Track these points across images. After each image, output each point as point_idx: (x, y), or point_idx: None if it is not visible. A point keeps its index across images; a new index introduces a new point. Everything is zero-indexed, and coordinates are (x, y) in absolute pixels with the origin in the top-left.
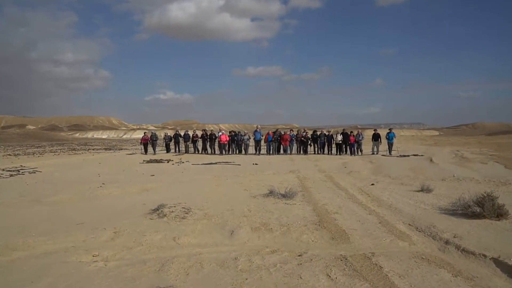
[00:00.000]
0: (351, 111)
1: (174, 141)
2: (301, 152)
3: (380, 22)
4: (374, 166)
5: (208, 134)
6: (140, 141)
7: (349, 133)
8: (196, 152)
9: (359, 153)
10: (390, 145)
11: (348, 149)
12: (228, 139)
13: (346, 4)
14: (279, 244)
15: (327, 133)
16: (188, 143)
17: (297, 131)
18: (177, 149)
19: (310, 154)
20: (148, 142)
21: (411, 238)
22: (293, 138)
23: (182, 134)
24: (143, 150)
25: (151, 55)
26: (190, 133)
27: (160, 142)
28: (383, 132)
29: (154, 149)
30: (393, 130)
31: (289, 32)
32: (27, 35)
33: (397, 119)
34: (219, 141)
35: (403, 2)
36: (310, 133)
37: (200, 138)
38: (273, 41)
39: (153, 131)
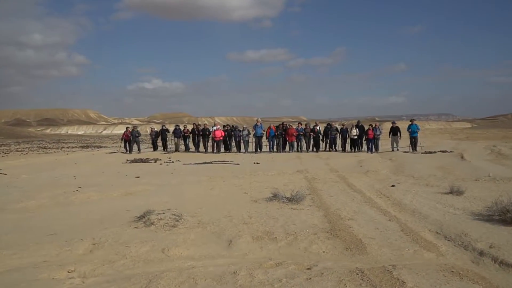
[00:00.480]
0: (368, 101)
1: (161, 138)
2: (312, 149)
3: None
4: (394, 164)
5: (200, 129)
6: (121, 137)
7: (367, 126)
8: (187, 150)
9: (376, 150)
10: (413, 140)
11: (365, 145)
12: (223, 134)
13: None
14: (284, 255)
15: (340, 127)
16: (179, 139)
17: (306, 124)
18: (165, 146)
19: (321, 151)
20: (131, 138)
21: (439, 249)
22: (301, 133)
23: (172, 129)
24: (123, 148)
25: (134, 37)
26: (182, 127)
27: (147, 138)
28: (403, 125)
29: (138, 147)
30: (415, 122)
31: (295, 9)
32: None
33: (422, 110)
34: (213, 137)
35: None
36: (321, 126)
37: (190, 133)
38: (277, 20)
39: (135, 126)
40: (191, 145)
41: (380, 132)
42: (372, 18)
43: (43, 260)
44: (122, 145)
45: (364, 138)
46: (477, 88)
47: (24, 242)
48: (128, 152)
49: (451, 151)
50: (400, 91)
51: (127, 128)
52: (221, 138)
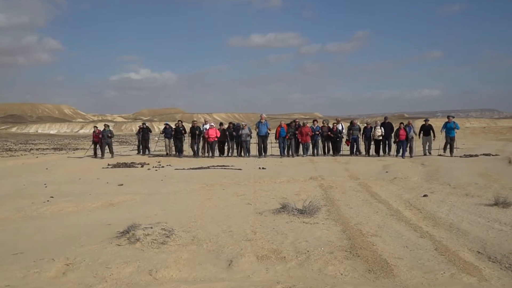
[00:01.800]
0: (395, 94)
1: (142, 138)
2: (330, 152)
3: None
4: (427, 170)
5: (188, 127)
6: (92, 138)
7: (397, 125)
8: (179, 154)
9: (411, 153)
10: (450, 141)
11: (394, 148)
12: (218, 135)
13: None
14: (295, 278)
15: (363, 125)
16: (170, 140)
17: (324, 122)
18: (146, 148)
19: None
20: (100, 140)
21: (482, 272)
22: (316, 133)
23: (161, 128)
24: (94, 152)
25: (118, 18)
26: (174, 125)
27: (132, 139)
28: (438, 124)
29: (110, 150)
30: (453, 120)
31: None
32: None
33: (461, 105)
34: (205, 138)
35: None
36: (344, 125)
37: (173, 133)
38: None
39: (106, 125)
40: (186, 147)
41: (414, 131)
42: None
43: (5, 284)
44: (93, 147)
45: (394, 140)
46: None
47: None
48: (99, 156)
49: (496, 155)
50: (434, 83)
51: (95, 127)
52: (216, 139)
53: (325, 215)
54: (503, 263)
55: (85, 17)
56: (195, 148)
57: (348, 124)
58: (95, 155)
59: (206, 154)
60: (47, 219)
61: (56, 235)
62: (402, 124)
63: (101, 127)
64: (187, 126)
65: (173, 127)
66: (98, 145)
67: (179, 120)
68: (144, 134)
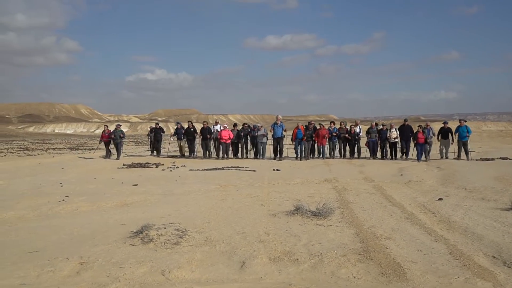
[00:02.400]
0: (412, 96)
1: (154, 139)
2: (348, 155)
3: None
4: (442, 173)
5: (198, 128)
6: (99, 139)
7: (417, 128)
8: (191, 155)
9: (426, 157)
10: (462, 145)
11: (415, 151)
12: (232, 136)
13: None
14: (307, 281)
15: (379, 127)
16: (182, 141)
17: (341, 123)
18: (157, 149)
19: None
20: (111, 140)
21: (497, 277)
22: (334, 134)
23: (174, 128)
24: (105, 152)
25: (135, 20)
26: (188, 125)
27: (146, 139)
28: (453, 127)
29: (118, 152)
30: (467, 123)
31: None
32: None
33: (479, 108)
34: (218, 139)
35: None
36: (363, 128)
37: (184, 133)
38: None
39: (118, 125)
40: (199, 147)
41: (433, 134)
42: None
43: (20, 282)
44: (103, 148)
45: (414, 142)
46: None
47: None
48: (107, 156)
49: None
50: (452, 85)
51: (105, 126)
52: (229, 140)
53: (338, 218)
54: None
55: (103, 19)
56: (206, 150)
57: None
58: (107, 155)
59: (221, 156)
60: (62, 218)
61: (71, 234)
62: (420, 128)
63: (112, 127)
64: (200, 127)
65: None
66: (110, 146)
67: (189, 121)
68: (156, 135)
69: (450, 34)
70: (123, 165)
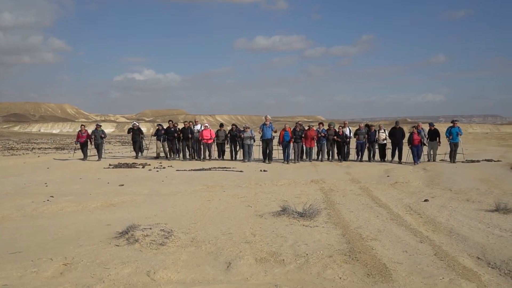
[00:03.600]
0: (399, 99)
1: (132, 140)
2: (335, 158)
3: None
4: (428, 175)
5: (179, 128)
6: (75, 139)
7: (412, 129)
8: (172, 156)
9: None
10: (453, 147)
11: (412, 154)
12: (213, 136)
13: None
14: (293, 281)
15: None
16: (162, 142)
17: (330, 125)
18: (136, 150)
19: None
20: (90, 141)
21: (481, 278)
22: (322, 135)
23: (156, 128)
24: (84, 154)
25: (123, 19)
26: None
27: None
28: (441, 129)
29: (99, 153)
30: (458, 124)
31: None
32: None
33: (465, 110)
34: (199, 140)
35: None
36: (352, 129)
37: (164, 133)
38: (294, 1)
39: (98, 124)
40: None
41: (425, 134)
42: (406, 1)
43: (2, 283)
44: (80, 148)
45: (409, 145)
46: None
47: None
48: (84, 159)
49: (498, 160)
50: (438, 88)
51: (82, 126)
52: (211, 140)
53: (325, 219)
54: (503, 269)
55: (91, 18)
56: (186, 151)
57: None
58: (84, 157)
59: (203, 157)
60: (47, 219)
61: (55, 234)
62: (415, 129)
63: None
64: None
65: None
66: (86, 147)
67: (169, 120)
68: (134, 136)
69: (437, 38)
70: (110, 165)
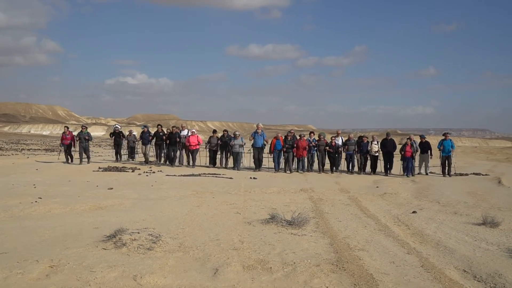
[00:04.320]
0: (390, 110)
1: (114, 143)
2: (328, 168)
3: None
4: (417, 187)
5: (166, 132)
6: (60, 141)
7: (406, 140)
8: (146, 161)
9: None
10: (446, 160)
11: (402, 166)
12: (201, 142)
13: None
14: None
15: (356, 140)
16: (147, 147)
17: (320, 135)
18: (119, 154)
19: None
20: (74, 143)
21: None
22: (312, 145)
23: (138, 132)
24: (66, 157)
25: (117, 23)
26: (153, 131)
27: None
28: (432, 142)
29: (87, 156)
30: (449, 137)
31: None
32: None
33: (454, 124)
34: (186, 146)
35: None
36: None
37: (152, 138)
38: (288, 10)
39: (84, 126)
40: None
41: (417, 147)
42: (399, 13)
43: None
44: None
45: (401, 154)
46: None
47: None
48: (67, 161)
49: (486, 174)
50: (429, 101)
51: (66, 128)
52: (198, 146)
53: (313, 228)
54: (488, 282)
55: (85, 20)
56: (172, 156)
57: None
58: (67, 160)
59: (185, 164)
60: (34, 220)
61: (42, 236)
62: (409, 140)
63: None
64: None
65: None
66: (70, 150)
67: (158, 125)
68: (116, 139)
69: (428, 50)
70: (99, 168)
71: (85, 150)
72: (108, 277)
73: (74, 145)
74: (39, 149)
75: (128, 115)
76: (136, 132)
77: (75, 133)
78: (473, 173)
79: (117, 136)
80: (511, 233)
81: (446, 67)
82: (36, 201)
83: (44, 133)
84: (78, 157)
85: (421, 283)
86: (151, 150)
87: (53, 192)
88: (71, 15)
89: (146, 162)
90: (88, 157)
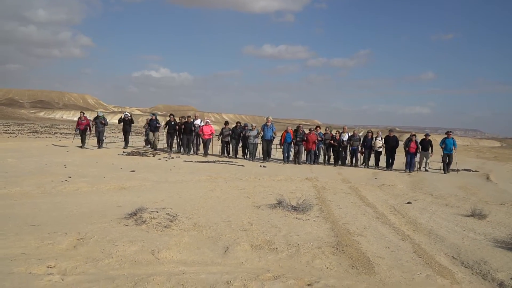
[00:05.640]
0: (390, 109)
1: (123, 130)
2: (331, 161)
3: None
4: (412, 180)
5: (178, 121)
6: (75, 126)
7: (411, 137)
8: (153, 147)
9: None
10: (448, 158)
11: (406, 161)
12: (213, 132)
13: None
14: (284, 268)
15: (362, 136)
16: (155, 134)
17: (327, 129)
18: (127, 141)
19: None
20: (90, 128)
21: (454, 275)
22: (319, 139)
23: (148, 119)
24: (82, 140)
25: (144, 21)
26: (164, 121)
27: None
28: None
29: (101, 140)
30: (452, 135)
31: (322, 5)
32: None
33: (448, 124)
34: (200, 136)
35: None
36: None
37: (165, 126)
38: (301, 15)
39: (99, 112)
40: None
41: (418, 145)
42: (402, 22)
43: (21, 252)
44: (79, 136)
45: (405, 150)
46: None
47: (2, 231)
48: (82, 146)
49: (476, 171)
50: (426, 102)
51: (81, 113)
52: (211, 136)
53: (316, 213)
54: (475, 268)
55: (116, 19)
56: (187, 146)
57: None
58: (82, 144)
59: (197, 152)
60: (64, 197)
61: (71, 211)
62: (414, 137)
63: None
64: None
65: (165, 120)
66: (85, 134)
67: (171, 114)
68: (125, 126)
69: (428, 56)
70: (123, 152)
71: (99, 134)
72: (129, 250)
73: (90, 130)
74: (70, 133)
75: (151, 105)
76: (160, 119)
77: (90, 118)
78: (464, 169)
79: (126, 123)
80: (497, 225)
81: (443, 72)
82: (66, 180)
83: (75, 119)
84: (96, 142)
85: (413, 267)
86: (159, 138)
87: (81, 172)
88: (103, 13)
89: (154, 149)
90: (102, 141)
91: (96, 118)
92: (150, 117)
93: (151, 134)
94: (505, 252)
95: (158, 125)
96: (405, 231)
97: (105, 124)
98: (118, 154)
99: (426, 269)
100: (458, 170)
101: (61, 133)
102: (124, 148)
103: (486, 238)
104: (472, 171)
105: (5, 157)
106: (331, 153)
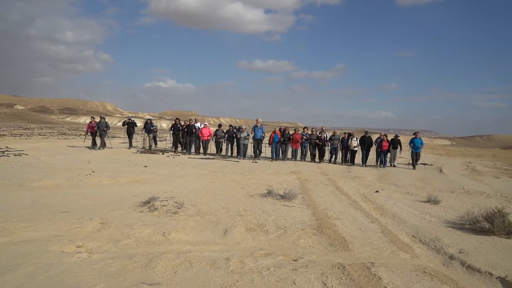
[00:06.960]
0: (361, 114)
1: (127, 132)
2: (316, 159)
3: (401, 22)
4: (379, 172)
5: (183, 125)
6: (86, 129)
7: (383, 137)
8: (177, 149)
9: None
10: (415, 156)
11: (377, 158)
12: (211, 133)
13: (366, 3)
14: (274, 247)
15: (340, 136)
16: (149, 135)
17: (312, 130)
18: (129, 142)
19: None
20: (97, 131)
21: (414, 251)
22: (305, 138)
23: (146, 122)
24: (93, 142)
25: (155, 40)
26: (159, 124)
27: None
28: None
29: (102, 143)
30: (419, 136)
31: (304, 27)
32: (24, 10)
33: (408, 125)
34: (199, 136)
35: (425, 2)
36: (328, 134)
37: (171, 129)
38: (286, 35)
39: (102, 117)
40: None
41: (390, 144)
42: (371, 41)
43: (55, 234)
44: (91, 138)
45: (378, 150)
46: (459, 110)
47: (39, 217)
48: (92, 147)
49: (431, 165)
50: (390, 107)
51: (92, 118)
52: (209, 137)
53: (300, 201)
54: (430, 245)
55: (131, 38)
56: (189, 146)
57: (331, 133)
58: (93, 145)
59: (198, 152)
60: (88, 188)
61: (94, 200)
62: (385, 136)
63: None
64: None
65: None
66: (95, 137)
67: (176, 118)
68: (128, 128)
69: (392, 69)
70: (137, 150)
71: (101, 137)
72: (144, 233)
73: (98, 133)
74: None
75: (159, 110)
76: (165, 124)
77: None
78: (422, 163)
79: (129, 126)
80: (448, 209)
81: (404, 82)
82: (90, 174)
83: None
84: (101, 143)
85: (380, 244)
86: (151, 138)
87: (102, 168)
88: (121, 34)
89: (150, 148)
90: (103, 144)
91: (99, 123)
92: (145, 121)
93: (145, 135)
94: (455, 231)
95: (152, 127)
96: (374, 215)
97: (108, 128)
98: (133, 152)
99: (391, 246)
100: (426, 165)
101: (84, 135)
102: (128, 148)
103: (439, 220)
104: (428, 165)
105: (39, 155)
106: (316, 151)
